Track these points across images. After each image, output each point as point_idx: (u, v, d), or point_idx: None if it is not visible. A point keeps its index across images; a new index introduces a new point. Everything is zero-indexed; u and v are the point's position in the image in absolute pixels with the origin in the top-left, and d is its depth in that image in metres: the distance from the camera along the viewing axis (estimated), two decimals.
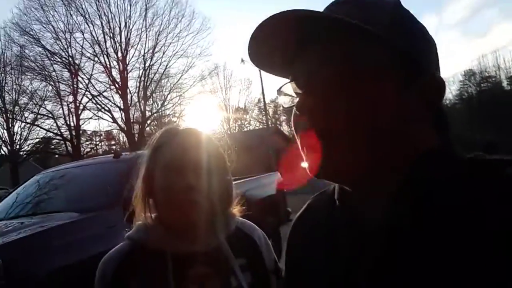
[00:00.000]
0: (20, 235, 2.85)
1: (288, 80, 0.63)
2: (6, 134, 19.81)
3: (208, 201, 1.01)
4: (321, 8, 0.61)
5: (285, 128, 56.55)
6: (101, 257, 3.27)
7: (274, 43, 0.58)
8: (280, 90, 0.63)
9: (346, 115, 0.53)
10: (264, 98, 26.37)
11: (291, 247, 0.74)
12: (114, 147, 37.82)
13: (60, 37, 19.24)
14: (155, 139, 1.08)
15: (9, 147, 20.29)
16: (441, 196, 0.50)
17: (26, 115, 19.81)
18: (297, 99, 0.60)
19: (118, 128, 20.02)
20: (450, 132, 0.59)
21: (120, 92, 18.94)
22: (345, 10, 0.55)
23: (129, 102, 19.19)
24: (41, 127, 20.30)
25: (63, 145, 22.04)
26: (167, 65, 19.17)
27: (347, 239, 0.59)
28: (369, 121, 0.53)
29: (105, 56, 18.85)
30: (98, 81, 19.26)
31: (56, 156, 27.84)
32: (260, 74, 23.93)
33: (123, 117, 19.05)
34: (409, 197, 0.52)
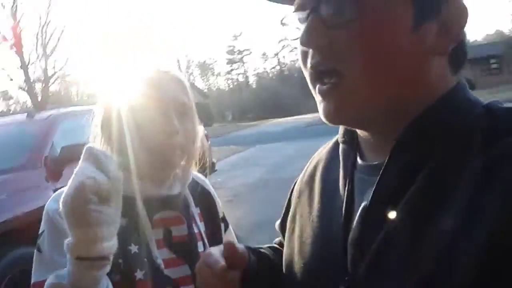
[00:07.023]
0: None
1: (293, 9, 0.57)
2: None
3: (183, 147, 0.97)
4: None
5: (199, 83, 55.48)
6: (27, 217, 3.16)
7: None
8: (282, 21, 0.58)
9: (361, 54, 0.50)
10: None
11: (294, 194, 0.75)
12: (13, 106, 34.68)
13: None
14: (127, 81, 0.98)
15: None
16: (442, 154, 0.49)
17: None
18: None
19: (19, 87, 18.21)
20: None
21: (15, 49, 17.14)
22: None
23: (28, 60, 17.48)
24: None
25: None
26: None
27: (346, 187, 0.59)
28: (385, 59, 0.50)
29: None
30: None
31: None
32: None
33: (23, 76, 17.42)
34: (408, 149, 0.51)
